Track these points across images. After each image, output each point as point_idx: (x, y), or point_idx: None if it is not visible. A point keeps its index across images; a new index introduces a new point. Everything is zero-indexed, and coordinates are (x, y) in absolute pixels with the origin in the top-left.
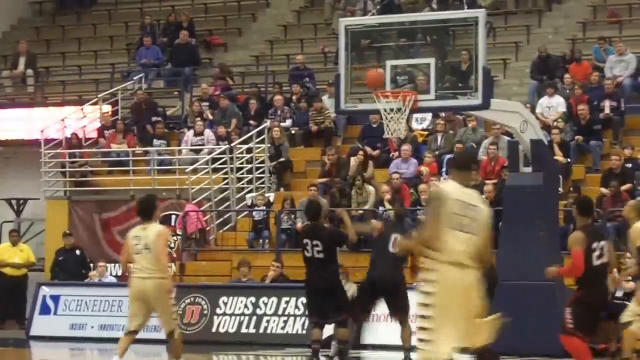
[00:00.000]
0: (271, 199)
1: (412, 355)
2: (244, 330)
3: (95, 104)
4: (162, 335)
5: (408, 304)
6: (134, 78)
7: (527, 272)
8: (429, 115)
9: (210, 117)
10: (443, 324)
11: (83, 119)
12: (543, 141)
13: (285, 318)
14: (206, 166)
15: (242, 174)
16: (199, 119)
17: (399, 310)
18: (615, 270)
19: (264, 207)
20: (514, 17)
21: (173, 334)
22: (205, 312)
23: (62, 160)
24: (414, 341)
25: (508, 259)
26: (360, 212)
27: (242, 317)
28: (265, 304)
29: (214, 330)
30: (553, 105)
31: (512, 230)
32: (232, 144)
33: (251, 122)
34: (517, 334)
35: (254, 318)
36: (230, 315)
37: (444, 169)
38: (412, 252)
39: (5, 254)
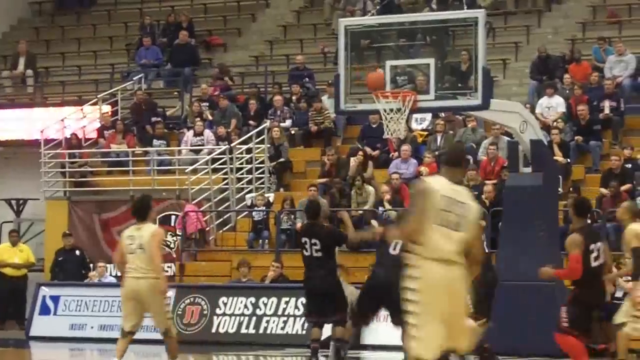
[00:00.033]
0: (271, 200)
1: None
2: (243, 330)
3: (95, 104)
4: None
5: None
6: (134, 78)
7: (527, 272)
8: (428, 116)
9: (210, 117)
10: (428, 320)
11: (83, 119)
12: (543, 141)
13: (285, 318)
14: (206, 166)
15: (242, 174)
16: (198, 119)
17: (401, 314)
18: (614, 270)
19: (264, 208)
20: (513, 18)
21: (168, 332)
22: (205, 312)
23: (62, 160)
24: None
25: (508, 259)
26: (360, 212)
27: (242, 318)
28: (265, 305)
29: (213, 330)
30: (553, 105)
31: (512, 231)
32: (232, 144)
33: (251, 122)
34: (517, 334)
35: (254, 318)
36: (230, 315)
37: None
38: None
39: (5, 255)
